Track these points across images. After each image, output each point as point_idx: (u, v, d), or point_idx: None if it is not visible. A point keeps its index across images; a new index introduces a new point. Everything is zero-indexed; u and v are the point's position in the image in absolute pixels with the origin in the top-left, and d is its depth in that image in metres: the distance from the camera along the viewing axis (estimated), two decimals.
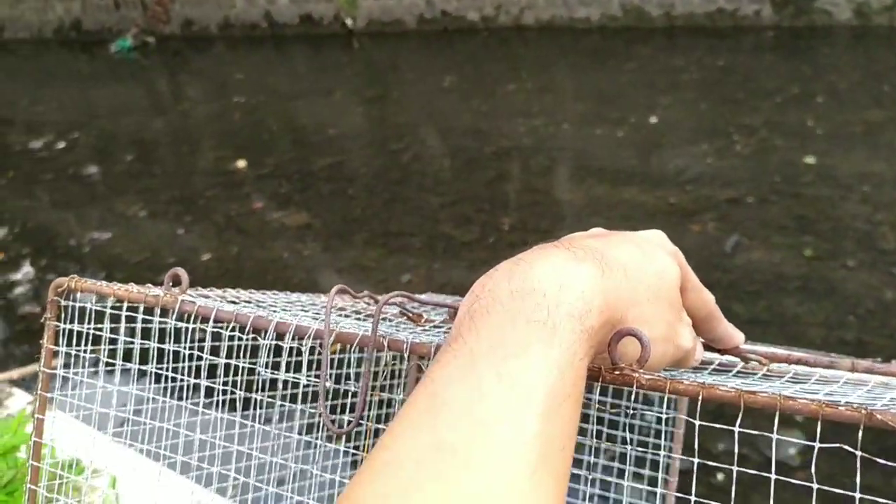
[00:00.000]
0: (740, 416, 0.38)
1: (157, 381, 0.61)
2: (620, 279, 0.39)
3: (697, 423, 0.41)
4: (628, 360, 0.40)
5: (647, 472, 0.76)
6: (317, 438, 0.72)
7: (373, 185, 4.89)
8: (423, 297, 0.63)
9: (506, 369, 0.33)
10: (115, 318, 0.61)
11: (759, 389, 0.39)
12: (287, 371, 0.57)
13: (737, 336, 0.52)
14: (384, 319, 0.60)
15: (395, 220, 4.34)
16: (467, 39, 8.05)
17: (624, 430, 0.77)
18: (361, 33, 9.11)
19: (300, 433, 0.72)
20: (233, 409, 0.62)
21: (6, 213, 5.37)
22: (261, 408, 0.60)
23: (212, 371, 0.60)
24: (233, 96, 7.50)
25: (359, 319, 0.60)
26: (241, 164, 5.55)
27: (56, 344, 0.62)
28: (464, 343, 0.35)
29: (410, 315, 0.61)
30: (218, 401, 0.59)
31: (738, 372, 0.51)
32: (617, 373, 0.40)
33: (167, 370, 0.59)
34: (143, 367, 0.61)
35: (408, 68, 7.80)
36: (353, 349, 0.66)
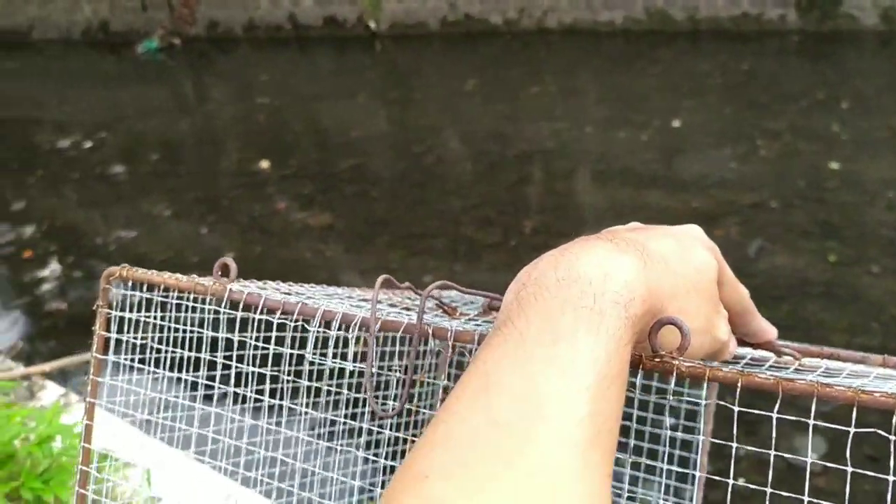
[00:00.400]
0: (778, 403, 0.40)
1: (212, 368, 0.63)
2: (661, 271, 0.40)
3: (736, 409, 0.41)
4: (668, 348, 0.41)
5: (678, 452, 0.77)
6: (348, 445, 0.73)
7: (395, 187, 4.92)
8: (451, 293, 0.64)
9: (556, 353, 0.35)
10: (164, 307, 0.63)
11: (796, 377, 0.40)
12: (336, 350, 0.58)
13: (770, 331, 0.53)
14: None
15: (417, 222, 4.36)
16: (490, 42, 8.06)
17: (659, 414, 0.78)
18: (385, 36, 9.15)
19: (342, 438, 0.73)
20: (280, 398, 0.63)
21: (35, 212, 5.46)
22: (308, 396, 0.61)
23: (261, 360, 0.62)
24: (257, 97, 7.57)
25: (397, 311, 0.62)
26: (265, 164, 5.60)
27: (108, 331, 0.63)
28: (513, 327, 0.37)
29: (446, 308, 0.62)
30: (267, 389, 0.61)
31: (771, 366, 0.52)
32: (657, 360, 0.41)
33: (219, 360, 0.61)
34: (197, 355, 0.63)
35: (431, 71, 7.83)
36: (395, 341, 0.68)
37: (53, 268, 4.50)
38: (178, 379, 0.64)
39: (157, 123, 7.35)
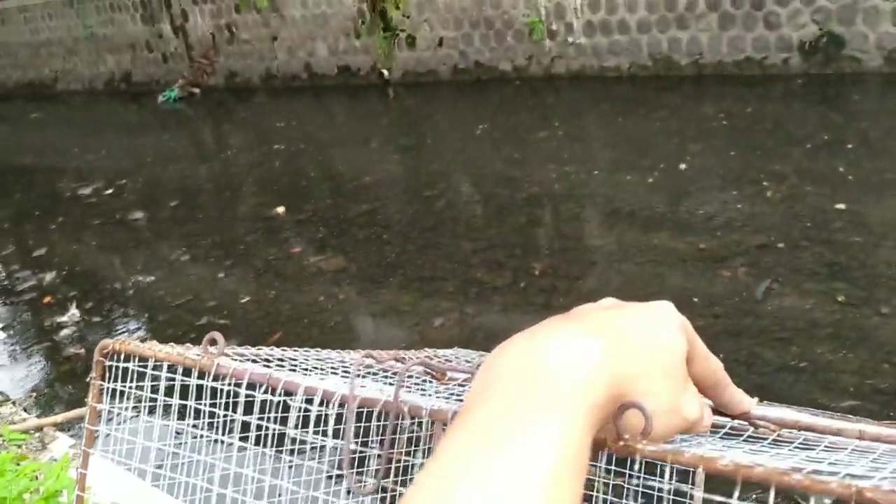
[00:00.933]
0: (737, 490, 0.41)
1: (194, 434, 0.66)
2: (627, 353, 0.42)
3: (700, 494, 0.42)
4: (634, 431, 0.42)
5: None
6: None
7: (407, 230, 5.00)
8: (447, 352, 0.67)
9: (513, 442, 0.36)
10: (156, 375, 0.66)
11: (758, 461, 0.42)
12: (317, 427, 0.60)
13: (745, 402, 0.53)
14: (409, 377, 0.65)
15: (428, 265, 4.43)
16: (500, 89, 8.21)
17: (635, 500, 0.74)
18: (397, 83, 9.34)
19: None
20: (263, 465, 0.66)
21: (55, 258, 5.58)
22: (290, 465, 0.64)
23: (245, 428, 0.65)
24: (273, 144, 7.73)
25: (386, 377, 0.65)
26: (281, 209, 5.71)
27: (100, 402, 0.67)
28: (473, 415, 0.38)
29: (434, 374, 0.65)
30: (249, 455, 0.64)
31: (749, 436, 0.53)
32: (621, 443, 0.42)
33: (202, 428, 0.64)
34: (182, 426, 0.66)
35: (442, 117, 7.97)
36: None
37: (72, 313, 4.60)
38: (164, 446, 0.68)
39: (175, 170, 7.51)
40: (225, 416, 0.64)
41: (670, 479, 0.45)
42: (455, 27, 8.65)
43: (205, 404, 0.64)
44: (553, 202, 4.99)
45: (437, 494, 0.35)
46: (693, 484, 0.43)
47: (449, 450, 0.37)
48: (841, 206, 4.16)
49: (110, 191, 7.09)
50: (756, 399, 0.59)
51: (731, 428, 0.54)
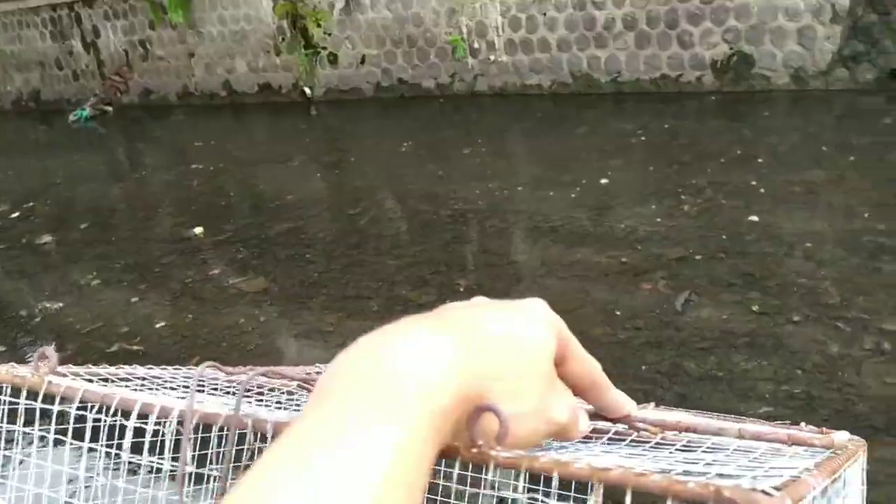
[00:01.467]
0: (594, 493, 0.39)
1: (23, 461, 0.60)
2: (485, 352, 0.39)
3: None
4: (490, 436, 0.39)
5: None
6: None
7: (330, 249, 4.92)
8: (288, 371, 0.61)
9: (338, 452, 0.33)
10: None
11: (628, 465, 0.39)
12: (152, 451, 0.55)
13: (626, 404, 0.51)
14: (270, 390, 0.60)
15: (352, 283, 4.35)
16: (423, 106, 8.22)
17: None
18: (319, 101, 9.25)
19: None
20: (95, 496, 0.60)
21: None
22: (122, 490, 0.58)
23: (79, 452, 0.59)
24: (191, 163, 7.52)
25: (226, 395, 0.60)
26: (199, 230, 5.54)
27: None
28: (304, 421, 0.35)
29: (307, 385, 0.59)
30: (80, 488, 0.58)
31: (632, 441, 0.51)
32: (475, 451, 0.39)
33: (32, 456, 0.58)
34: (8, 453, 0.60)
35: (365, 135, 7.92)
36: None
37: None
38: None
39: (87, 191, 7.22)
40: (55, 439, 0.58)
41: (525, 486, 0.42)
42: (377, 45, 8.63)
43: (35, 428, 0.58)
44: (477, 218, 4.99)
45: (251, 498, 0.32)
46: (550, 489, 0.41)
47: (269, 461, 0.34)
48: (754, 218, 4.30)
49: (16, 214, 6.75)
50: (652, 404, 0.57)
51: (615, 433, 0.52)
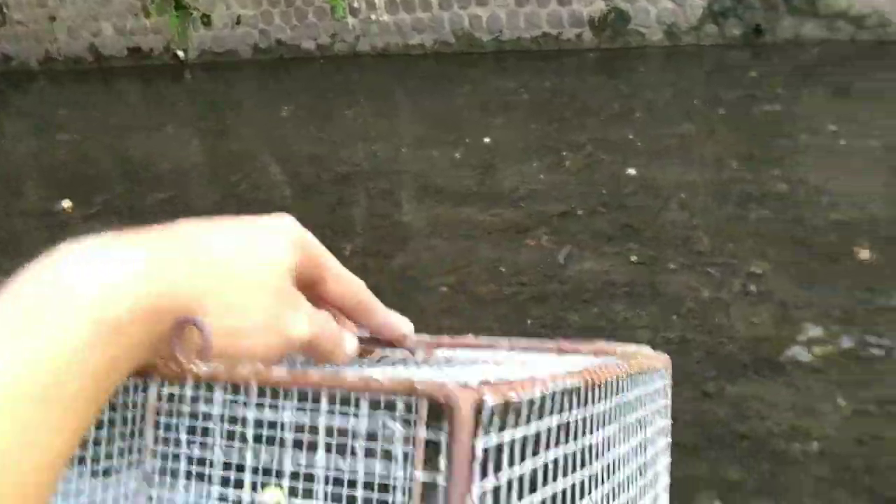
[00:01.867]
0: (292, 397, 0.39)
1: None
2: (195, 266, 0.38)
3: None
4: (195, 351, 0.38)
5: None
6: None
7: (210, 217, 4.72)
8: None
9: None
10: None
11: (389, 375, 0.38)
12: None
13: (401, 325, 0.50)
14: None
15: None
16: (304, 68, 7.99)
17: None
18: (194, 65, 8.83)
19: None
20: None
21: None
22: None
23: None
24: (56, 133, 7.04)
25: None
26: (67, 203, 5.21)
27: None
28: None
29: None
30: None
31: (405, 361, 0.50)
32: (172, 365, 0.38)
33: None
34: None
35: (244, 98, 7.64)
36: None
37: None
38: None
39: None
40: None
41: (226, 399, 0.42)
42: (253, 5, 8.28)
43: None
44: (362, 180, 4.91)
45: None
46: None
47: None
48: (632, 171, 4.41)
49: None
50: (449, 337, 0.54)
51: (391, 355, 0.51)
